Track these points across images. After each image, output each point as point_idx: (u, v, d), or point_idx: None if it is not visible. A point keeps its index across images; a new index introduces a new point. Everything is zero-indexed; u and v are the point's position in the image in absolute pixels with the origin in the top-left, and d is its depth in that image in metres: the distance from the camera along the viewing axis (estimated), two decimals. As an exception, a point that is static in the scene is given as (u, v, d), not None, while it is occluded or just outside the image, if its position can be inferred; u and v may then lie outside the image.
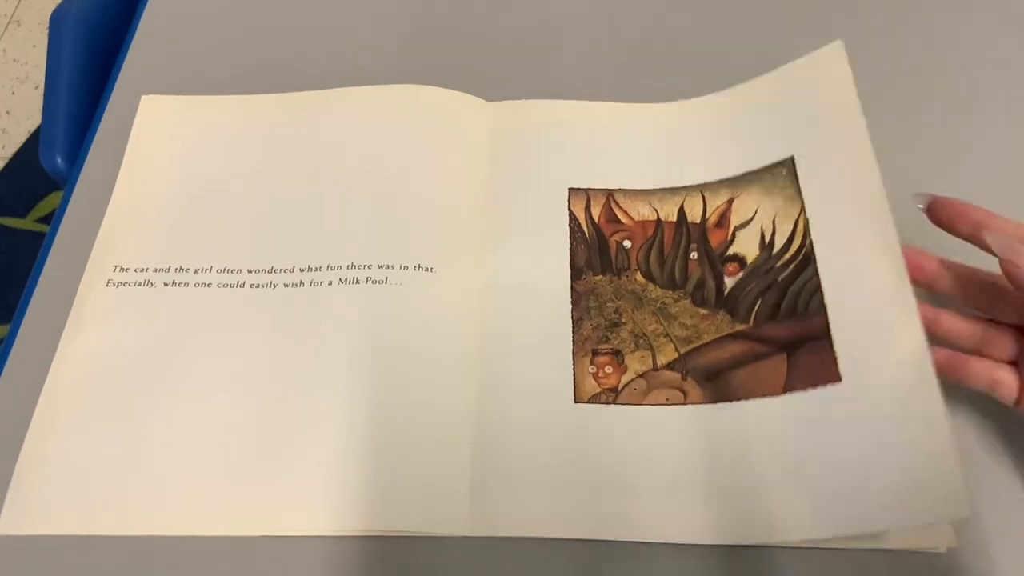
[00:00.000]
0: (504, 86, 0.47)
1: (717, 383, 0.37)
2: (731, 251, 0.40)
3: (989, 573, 0.33)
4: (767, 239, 0.40)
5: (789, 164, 0.41)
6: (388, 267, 0.41)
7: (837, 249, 0.37)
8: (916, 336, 0.33)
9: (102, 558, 0.35)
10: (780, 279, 0.38)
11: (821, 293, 0.37)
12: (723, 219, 0.41)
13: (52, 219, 0.45)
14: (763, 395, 0.36)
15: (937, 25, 0.50)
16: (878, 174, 0.37)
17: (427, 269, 0.41)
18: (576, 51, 0.50)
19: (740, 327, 0.38)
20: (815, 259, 0.38)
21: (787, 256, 0.39)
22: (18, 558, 0.35)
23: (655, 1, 0.53)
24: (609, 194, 0.43)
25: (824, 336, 0.36)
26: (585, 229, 0.42)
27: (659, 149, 0.44)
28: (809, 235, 0.38)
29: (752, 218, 0.41)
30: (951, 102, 0.46)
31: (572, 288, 0.40)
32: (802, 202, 0.39)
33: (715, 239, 0.41)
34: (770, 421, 0.35)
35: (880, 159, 0.37)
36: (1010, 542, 0.34)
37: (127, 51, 0.52)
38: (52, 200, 1.22)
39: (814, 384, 0.35)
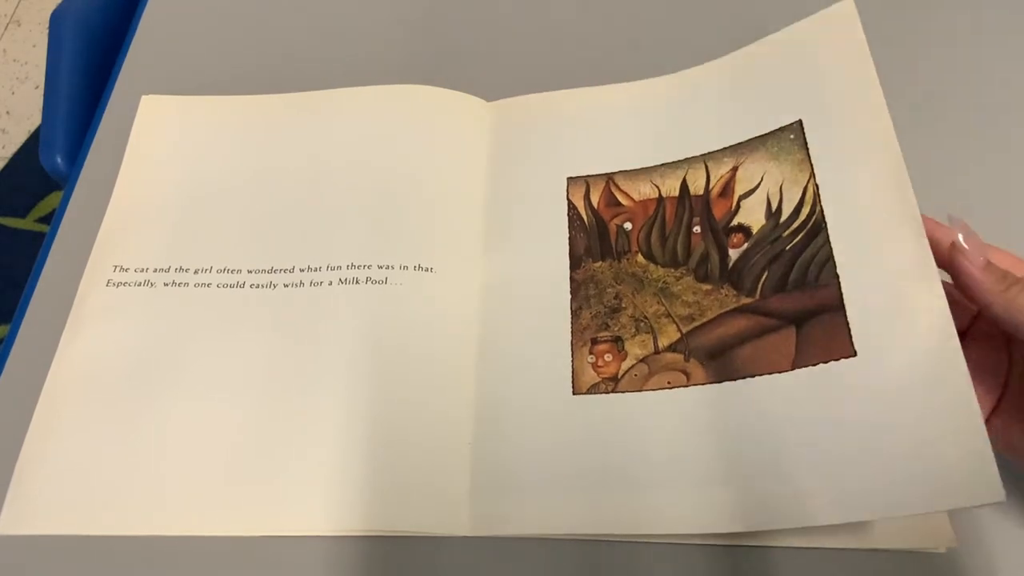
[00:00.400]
0: (504, 86, 0.47)
1: (721, 361, 0.35)
2: (736, 221, 0.38)
3: (989, 573, 0.33)
4: (774, 207, 0.37)
5: (797, 128, 0.38)
6: (388, 267, 0.41)
7: (850, 215, 0.35)
8: (940, 307, 0.31)
9: (102, 558, 0.35)
10: (788, 248, 0.36)
11: (833, 262, 0.34)
12: (727, 188, 0.39)
13: (52, 219, 0.45)
14: (770, 371, 0.34)
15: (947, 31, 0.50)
16: (894, 136, 0.34)
17: (427, 269, 0.41)
18: (576, 51, 0.50)
19: (745, 301, 0.36)
20: (826, 226, 0.35)
21: (795, 224, 0.36)
22: (18, 558, 0.35)
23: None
24: (609, 178, 0.42)
25: (837, 308, 0.33)
26: (584, 217, 0.41)
27: (659, 123, 0.43)
28: (819, 202, 0.36)
29: (758, 185, 0.38)
30: (960, 114, 0.46)
31: (571, 278, 0.40)
32: (811, 167, 0.37)
33: (719, 210, 0.39)
34: (779, 400, 0.33)
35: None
36: (1010, 542, 0.34)
37: (127, 51, 0.52)
38: (52, 200, 1.22)
39: (826, 359, 0.33)
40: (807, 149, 0.37)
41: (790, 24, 0.40)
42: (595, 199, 0.42)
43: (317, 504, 0.35)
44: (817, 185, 0.36)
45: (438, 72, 0.47)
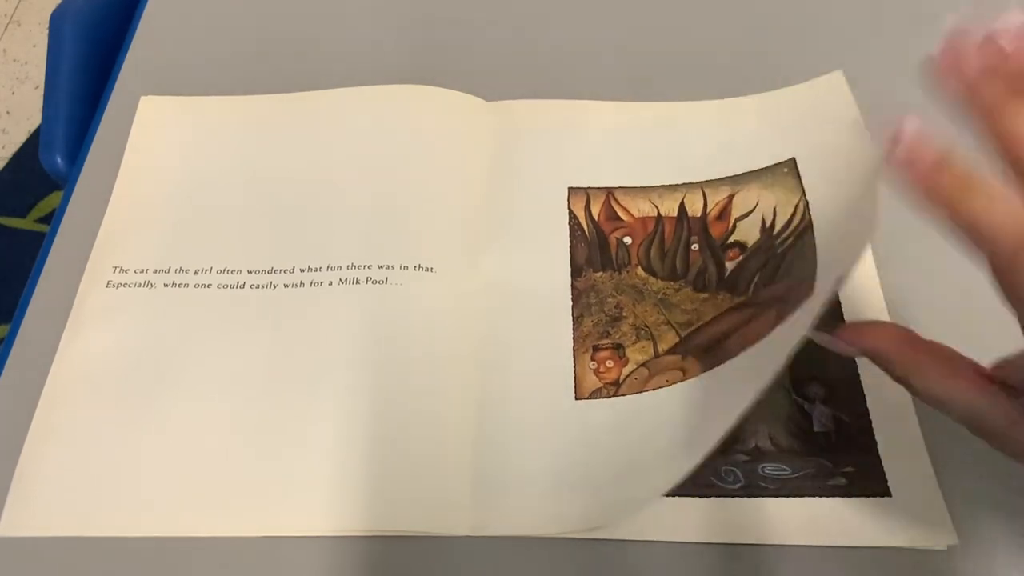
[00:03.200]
0: (504, 86, 0.47)
1: (714, 352, 0.37)
2: (732, 239, 0.41)
3: (989, 571, 0.33)
4: (767, 224, 0.41)
5: (791, 163, 0.42)
6: (388, 267, 0.41)
7: (832, 218, 0.38)
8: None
9: (103, 560, 0.35)
10: (779, 251, 0.39)
11: (815, 259, 0.37)
12: (724, 212, 0.42)
13: (52, 219, 0.45)
14: (754, 343, 0.35)
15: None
16: (880, 169, 0.36)
17: (427, 269, 0.41)
18: (576, 51, 0.50)
19: (739, 300, 0.38)
20: (812, 228, 0.39)
21: (787, 233, 0.40)
22: (19, 560, 0.35)
23: (654, 3, 0.53)
24: (609, 192, 0.43)
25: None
26: (585, 228, 0.42)
27: (659, 147, 0.45)
28: (808, 212, 0.40)
29: (753, 209, 0.41)
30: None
31: (572, 286, 0.40)
32: (803, 189, 0.41)
33: (716, 231, 0.41)
34: (758, 356, 0.34)
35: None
36: (1010, 540, 0.34)
37: (127, 51, 0.52)
38: (52, 200, 1.22)
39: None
40: (799, 178, 0.41)
41: (783, 59, 0.45)
42: (595, 211, 0.43)
43: (317, 504, 0.35)
44: (807, 201, 0.40)
45: (438, 72, 0.47)
